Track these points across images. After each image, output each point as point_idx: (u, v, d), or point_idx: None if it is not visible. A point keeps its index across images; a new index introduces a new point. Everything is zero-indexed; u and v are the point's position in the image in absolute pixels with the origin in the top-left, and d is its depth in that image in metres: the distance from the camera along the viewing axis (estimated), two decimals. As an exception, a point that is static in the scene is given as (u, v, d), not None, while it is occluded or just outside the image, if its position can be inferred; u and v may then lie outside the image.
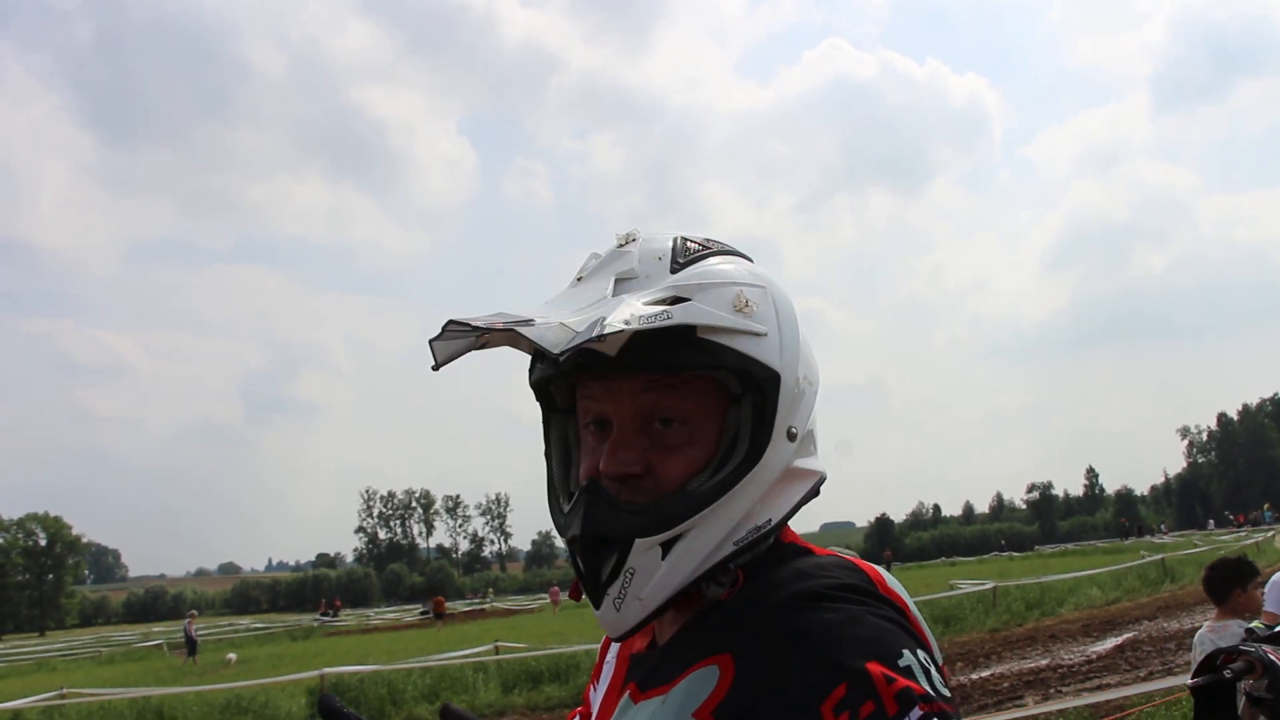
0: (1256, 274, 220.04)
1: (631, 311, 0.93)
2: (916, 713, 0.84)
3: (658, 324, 0.93)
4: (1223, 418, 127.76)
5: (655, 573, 0.99)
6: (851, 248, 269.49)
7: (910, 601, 1.02)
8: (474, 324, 0.95)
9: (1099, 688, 11.22)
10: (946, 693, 0.89)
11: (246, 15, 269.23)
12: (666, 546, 0.99)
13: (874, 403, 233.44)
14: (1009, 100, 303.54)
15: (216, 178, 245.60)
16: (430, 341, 1.02)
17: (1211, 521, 79.31)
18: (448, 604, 46.29)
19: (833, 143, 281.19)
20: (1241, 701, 2.93)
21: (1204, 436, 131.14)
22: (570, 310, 0.97)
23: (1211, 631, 4.59)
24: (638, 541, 0.99)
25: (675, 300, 0.98)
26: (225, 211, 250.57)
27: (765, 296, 1.04)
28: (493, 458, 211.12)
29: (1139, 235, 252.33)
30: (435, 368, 1.03)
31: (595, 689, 1.24)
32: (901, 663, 0.87)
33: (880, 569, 1.05)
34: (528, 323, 0.92)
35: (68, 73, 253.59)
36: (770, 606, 0.96)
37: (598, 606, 1.02)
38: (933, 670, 0.90)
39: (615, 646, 1.22)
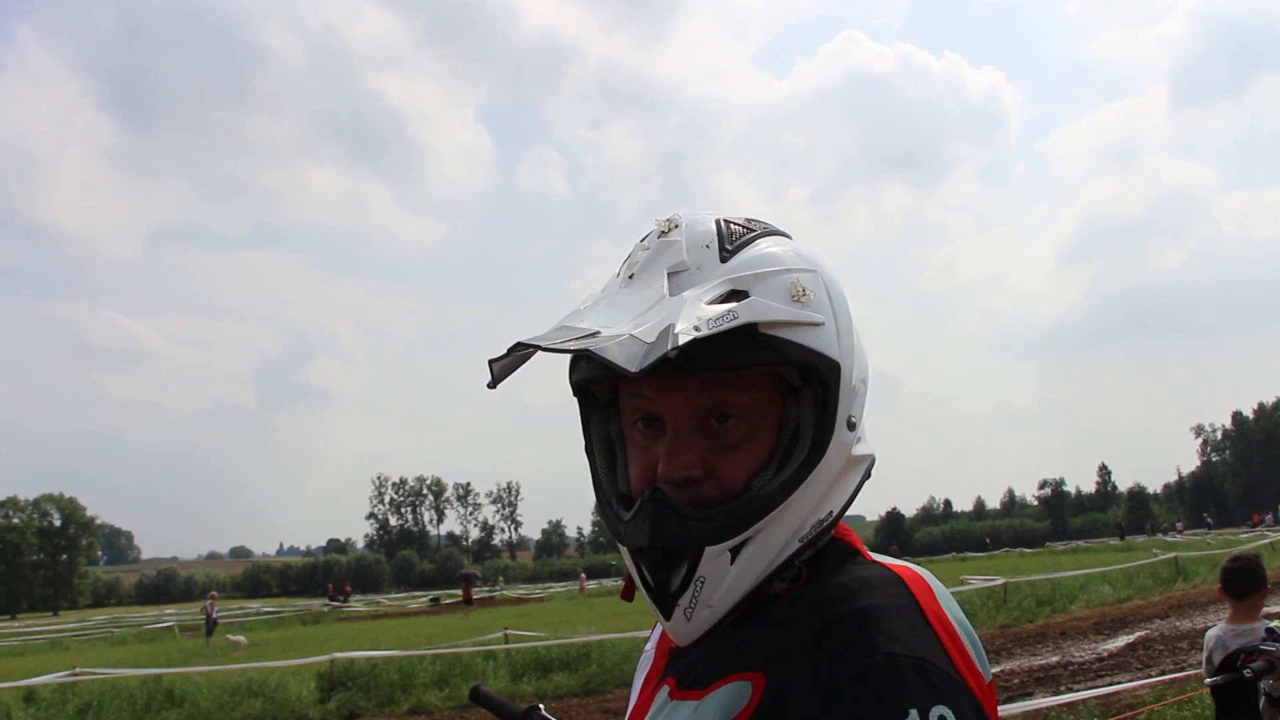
0: (1274, 271, 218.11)
1: (698, 315, 0.90)
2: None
3: (725, 326, 0.90)
4: (1238, 416, 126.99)
5: (725, 579, 0.96)
6: (866, 240, 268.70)
7: (954, 619, 0.98)
8: (542, 346, 0.91)
9: (1110, 685, 11.17)
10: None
11: (265, 1, 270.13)
12: (735, 551, 0.96)
13: (886, 396, 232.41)
14: (1026, 94, 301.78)
15: (234, 163, 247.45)
16: (490, 361, 0.98)
17: (1210, 521, 78.79)
18: (453, 591, 46.25)
19: (849, 135, 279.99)
20: (1262, 701, 2.91)
21: (1218, 435, 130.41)
22: (631, 316, 0.93)
23: (1236, 635, 4.48)
24: (708, 549, 0.95)
25: (733, 294, 0.94)
26: (242, 197, 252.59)
27: (818, 281, 1.00)
28: (504, 446, 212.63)
29: (1155, 231, 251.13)
30: (492, 385, 0.99)
31: (637, 673, 1.21)
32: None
33: (928, 577, 1.02)
34: (593, 336, 0.89)
35: (89, 57, 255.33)
36: (810, 629, 0.94)
37: (668, 618, 0.99)
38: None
39: (655, 634, 1.19)
